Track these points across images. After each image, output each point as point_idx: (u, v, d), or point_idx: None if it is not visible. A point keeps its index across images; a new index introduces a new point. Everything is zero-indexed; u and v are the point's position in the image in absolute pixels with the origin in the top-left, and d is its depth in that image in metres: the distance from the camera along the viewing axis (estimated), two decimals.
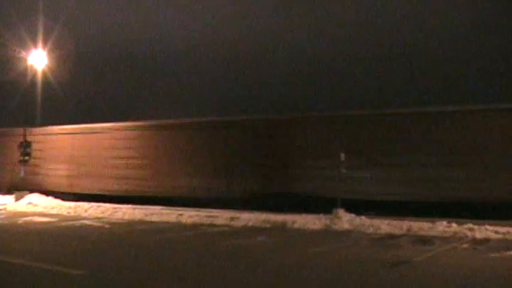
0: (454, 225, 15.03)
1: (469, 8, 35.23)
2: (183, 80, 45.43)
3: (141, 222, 18.18)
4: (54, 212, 21.43)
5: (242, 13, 44.62)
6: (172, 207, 21.01)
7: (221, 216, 18.10)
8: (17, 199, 24.52)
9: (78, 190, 26.09)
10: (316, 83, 40.68)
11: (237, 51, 41.52)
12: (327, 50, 40.45)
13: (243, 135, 22.74)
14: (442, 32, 37.52)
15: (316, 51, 41.10)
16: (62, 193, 25.57)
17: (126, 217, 19.29)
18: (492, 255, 11.62)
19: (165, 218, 18.60)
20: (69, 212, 21.04)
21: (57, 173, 27.27)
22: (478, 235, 14.17)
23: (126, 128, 25.68)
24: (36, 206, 22.91)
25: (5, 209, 22.89)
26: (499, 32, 35.83)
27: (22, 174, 25.84)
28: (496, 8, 36.09)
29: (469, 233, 14.35)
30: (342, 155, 17.85)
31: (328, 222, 16.44)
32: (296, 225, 16.46)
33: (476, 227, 14.65)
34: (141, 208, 20.78)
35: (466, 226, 14.79)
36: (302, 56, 41.75)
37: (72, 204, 22.59)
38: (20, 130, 26.48)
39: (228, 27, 44.30)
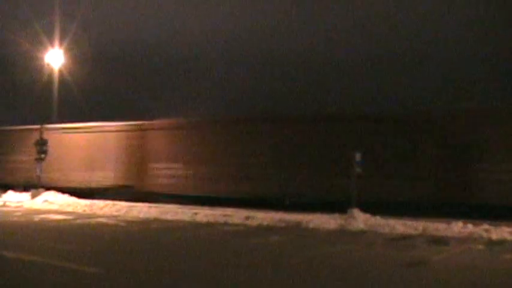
0: (470, 226, 14.91)
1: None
2: (197, 79, 45.60)
3: (156, 220, 18.25)
4: (69, 209, 21.57)
5: (253, 12, 44.63)
6: (187, 206, 21.06)
7: (236, 215, 18.11)
8: (33, 196, 24.72)
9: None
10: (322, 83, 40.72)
11: (247, 51, 41.68)
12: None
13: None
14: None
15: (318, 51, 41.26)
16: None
17: (141, 215, 19.36)
18: (508, 256, 11.54)
19: (180, 217, 18.67)
20: (84, 210, 21.18)
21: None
22: (494, 236, 14.05)
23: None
24: (52, 204, 23.10)
25: (21, 206, 23.09)
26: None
27: (38, 171, 26.03)
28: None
29: (485, 234, 14.24)
30: (358, 155, 17.73)
31: (343, 222, 16.39)
32: (311, 225, 16.43)
33: (492, 228, 14.54)
34: (156, 206, 20.87)
35: (482, 227, 14.68)
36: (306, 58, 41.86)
37: (87, 202, 22.75)
38: (37, 128, 26.66)
39: (239, 27, 44.45)
